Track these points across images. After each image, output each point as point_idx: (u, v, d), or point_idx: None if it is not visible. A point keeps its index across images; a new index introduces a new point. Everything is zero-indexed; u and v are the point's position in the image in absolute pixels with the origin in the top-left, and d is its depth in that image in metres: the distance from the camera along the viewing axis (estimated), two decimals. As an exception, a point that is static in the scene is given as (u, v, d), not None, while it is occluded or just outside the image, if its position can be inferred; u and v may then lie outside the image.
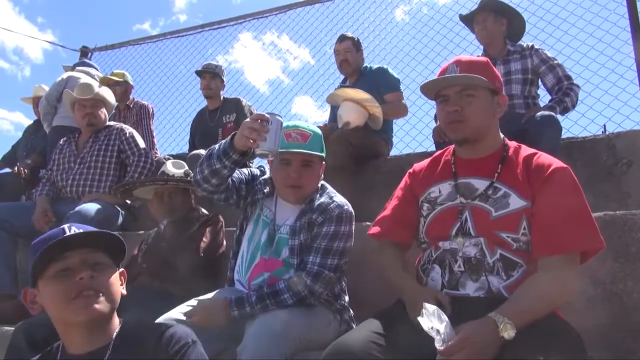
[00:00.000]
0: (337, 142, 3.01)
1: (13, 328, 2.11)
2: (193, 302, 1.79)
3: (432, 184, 1.62)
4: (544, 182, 1.42)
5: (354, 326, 1.88)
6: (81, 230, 1.14)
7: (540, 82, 3.06)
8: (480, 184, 1.51)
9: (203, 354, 1.13)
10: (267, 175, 2.04)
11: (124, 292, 1.24)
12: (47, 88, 4.27)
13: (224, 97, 4.02)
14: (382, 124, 3.22)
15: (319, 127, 3.37)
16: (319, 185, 1.95)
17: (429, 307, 1.26)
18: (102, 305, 1.10)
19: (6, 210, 3.01)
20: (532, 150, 1.54)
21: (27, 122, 4.98)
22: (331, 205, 1.83)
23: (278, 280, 1.78)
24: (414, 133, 4.38)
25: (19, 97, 4.82)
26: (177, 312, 1.73)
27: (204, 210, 2.62)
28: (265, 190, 1.98)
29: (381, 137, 3.31)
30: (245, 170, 2.04)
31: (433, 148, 3.38)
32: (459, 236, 1.48)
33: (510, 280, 1.42)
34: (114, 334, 1.14)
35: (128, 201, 3.11)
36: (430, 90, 1.59)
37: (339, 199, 1.89)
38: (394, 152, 3.57)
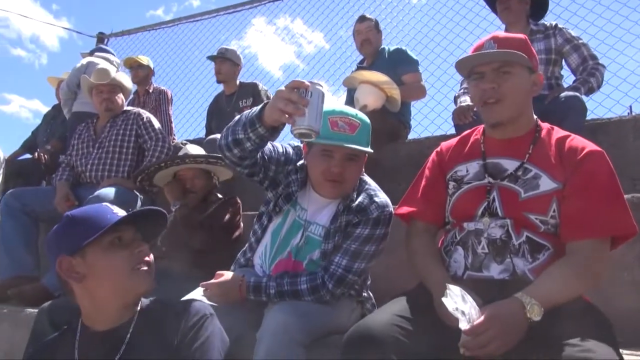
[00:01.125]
0: (354, 125, 2.97)
1: (36, 310, 2.15)
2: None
3: (460, 163, 1.58)
4: (577, 164, 1.38)
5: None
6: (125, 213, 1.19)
7: (564, 63, 2.97)
8: (510, 165, 1.48)
9: (219, 326, 1.16)
10: (299, 163, 1.81)
11: None
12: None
13: (240, 82, 4.00)
14: (400, 106, 3.16)
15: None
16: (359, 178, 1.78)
17: (453, 289, 1.24)
18: (152, 278, 1.18)
19: (28, 195, 3.04)
20: (566, 133, 1.50)
21: (45, 109, 5.02)
22: (371, 207, 1.68)
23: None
24: (432, 116, 4.33)
25: (37, 85, 4.87)
26: (198, 294, 1.72)
27: (219, 195, 2.62)
28: (299, 178, 1.77)
29: (399, 120, 3.26)
30: (279, 147, 1.79)
31: (452, 131, 3.34)
32: (485, 216, 1.45)
33: (536, 263, 1.38)
34: (137, 311, 1.17)
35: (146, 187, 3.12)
36: (464, 66, 1.52)
37: (380, 197, 1.72)
38: (411, 135, 3.52)
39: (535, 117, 1.55)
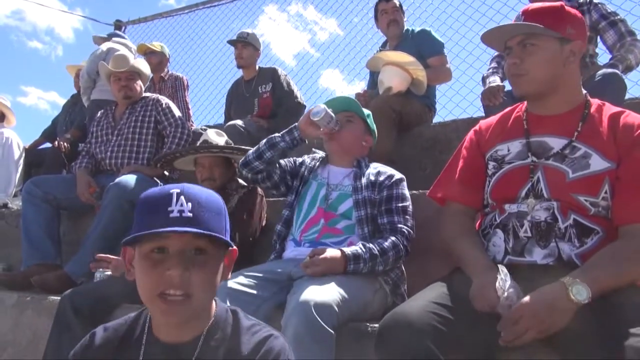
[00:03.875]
0: (378, 109, 2.87)
1: (59, 297, 2.13)
2: (252, 271, 1.78)
3: (500, 142, 1.49)
4: (633, 142, 1.30)
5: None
6: (188, 208, 0.90)
7: (599, 40, 2.83)
8: (556, 143, 1.39)
9: None
10: (320, 154, 2.19)
11: (229, 276, 1.04)
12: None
13: (259, 67, 3.92)
14: (426, 89, 3.06)
15: (357, 94, 3.30)
16: (366, 157, 2.05)
17: (502, 269, 1.20)
18: (186, 308, 0.90)
19: (49, 183, 3.03)
20: (619, 108, 1.40)
21: (62, 100, 5.02)
22: (388, 172, 1.97)
23: (334, 230, 1.85)
24: (457, 99, 4.20)
25: (53, 76, 4.89)
26: (233, 282, 1.69)
27: (241, 181, 2.56)
28: (319, 159, 2.12)
29: (424, 103, 3.15)
30: (289, 163, 2.13)
31: (479, 114, 3.23)
32: (530, 198, 1.36)
33: (583, 247, 1.29)
34: (205, 330, 0.96)
35: (166, 172, 3.08)
36: (494, 41, 1.49)
37: (387, 168, 2.02)
38: (436, 119, 3.41)
39: (584, 91, 1.45)
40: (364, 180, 1.93)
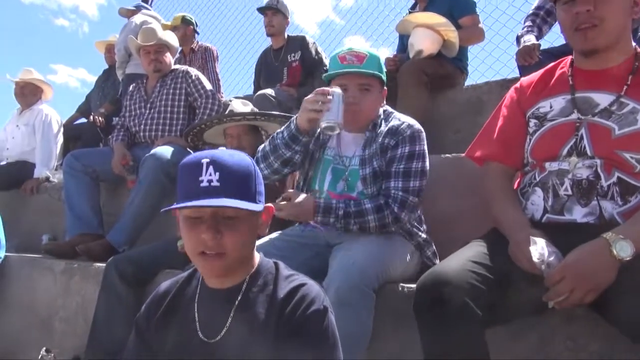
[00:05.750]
0: (409, 73, 2.83)
1: (104, 265, 2.22)
2: (284, 235, 1.82)
3: (543, 98, 1.44)
4: None
5: (437, 262, 1.81)
6: (217, 178, 0.97)
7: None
8: (603, 99, 1.33)
9: (332, 322, 1.01)
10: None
11: (266, 231, 1.14)
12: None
13: (288, 35, 3.88)
14: (457, 50, 2.98)
15: (387, 58, 3.24)
16: (382, 110, 1.86)
17: (538, 240, 1.17)
18: (222, 264, 1.00)
19: (88, 156, 3.12)
20: None
21: (90, 77, 5.12)
22: (402, 126, 1.76)
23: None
24: (490, 61, 4.04)
25: (81, 53, 4.95)
26: (266, 244, 1.73)
27: None
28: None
29: (456, 65, 3.08)
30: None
31: (513, 75, 3.14)
32: (572, 156, 1.32)
33: (627, 206, 1.26)
34: (247, 278, 1.07)
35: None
36: None
37: (408, 119, 1.82)
38: (468, 81, 3.32)
39: (634, 43, 1.38)
40: (376, 145, 1.76)
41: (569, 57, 1.47)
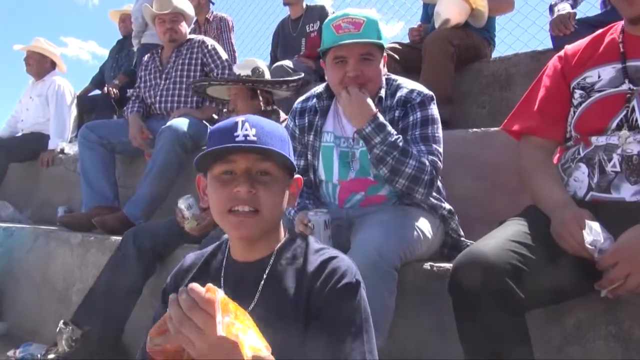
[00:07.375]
0: (435, 43, 2.71)
1: (120, 237, 2.19)
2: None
3: (590, 68, 1.34)
4: None
5: (462, 234, 1.74)
6: (253, 133, 0.95)
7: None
8: None
9: (364, 297, 0.97)
10: (317, 89, 1.81)
11: (294, 204, 1.11)
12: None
13: (306, 5, 3.75)
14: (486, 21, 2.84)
15: (411, 29, 3.12)
16: (384, 79, 1.71)
17: (593, 224, 1.10)
18: (256, 223, 0.96)
19: (103, 127, 3.07)
20: None
21: (101, 50, 5.04)
22: (413, 95, 1.66)
23: (378, 197, 1.67)
24: (518, 32, 3.87)
25: (91, 26, 4.87)
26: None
27: (282, 114, 2.48)
28: (318, 108, 1.76)
29: (483, 36, 2.94)
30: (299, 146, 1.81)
31: (544, 46, 3.00)
32: (622, 129, 1.23)
33: (680, 183, 1.17)
34: (276, 249, 1.02)
35: (215, 116, 3.06)
36: None
37: (417, 85, 1.71)
38: (495, 54, 3.18)
39: None
40: (385, 119, 1.62)
41: (620, 23, 1.36)
